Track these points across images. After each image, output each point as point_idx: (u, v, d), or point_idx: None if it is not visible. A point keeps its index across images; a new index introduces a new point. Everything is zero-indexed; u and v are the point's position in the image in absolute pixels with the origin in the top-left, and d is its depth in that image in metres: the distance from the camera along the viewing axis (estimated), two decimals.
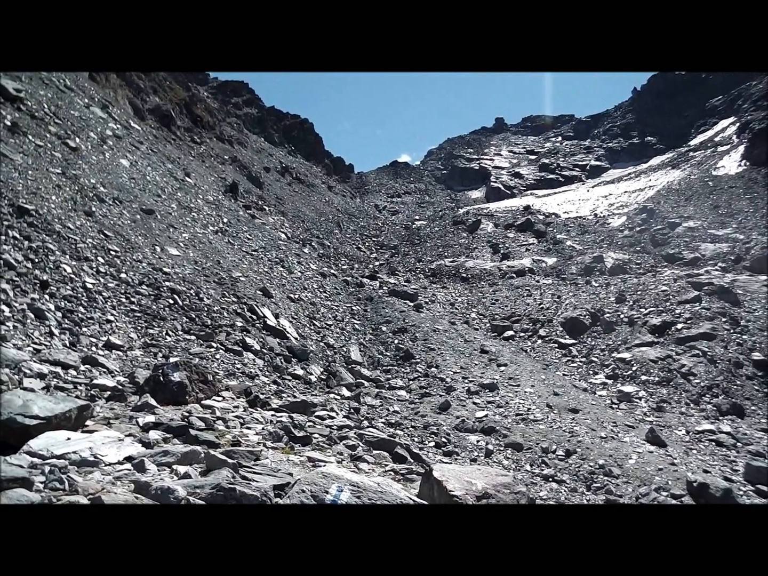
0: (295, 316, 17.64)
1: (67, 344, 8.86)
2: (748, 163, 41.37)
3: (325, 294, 22.04)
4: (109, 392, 7.50)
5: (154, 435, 5.82)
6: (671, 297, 22.29)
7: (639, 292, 23.64)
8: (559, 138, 75.81)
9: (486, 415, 13.53)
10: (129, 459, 4.84)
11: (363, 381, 15.05)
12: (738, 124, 51.10)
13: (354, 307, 21.88)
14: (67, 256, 11.32)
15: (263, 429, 7.31)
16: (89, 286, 10.87)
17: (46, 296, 9.65)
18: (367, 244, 39.79)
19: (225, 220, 23.64)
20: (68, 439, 4.92)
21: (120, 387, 7.81)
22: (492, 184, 61.38)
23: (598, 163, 63.58)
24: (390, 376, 16.35)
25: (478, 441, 12.01)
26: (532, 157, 70.02)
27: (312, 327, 17.80)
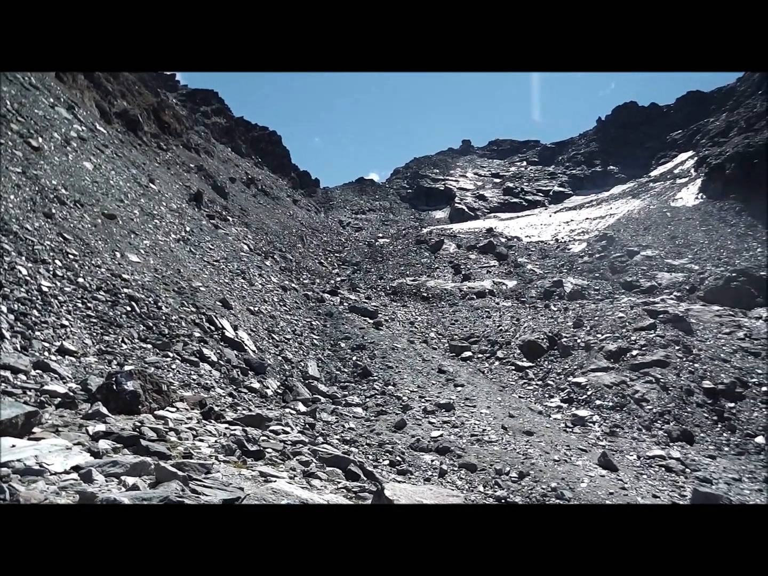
0: (254, 329, 17.50)
1: (19, 348, 8.66)
2: (704, 197, 42.61)
3: (285, 308, 21.93)
4: (59, 399, 7.34)
5: (103, 444, 5.71)
6: (627, 323, 22.72)
7: (596, 318, 24.04)
8: (524, 163, 76.99)
9: (441, 435, 13.56)
10: (76, 468, 4.73)
11: (320, 397, 14.98)
12: (696, 158, 52.66)
13: (314, 322, 21.80)
14: (23, 258, 11.09)
15: (216, 442, 7.23)
16: (45, 289, 10.65)
17: None
18: (329, 259, 39.75)
19: (188, 228, 23.40)
20: (13, 446, 4.81)
21: (71, 394, 7.66)
22: (456, 205, 61.97)
23: (561, 189, 64.74)
24: (347, 393, 16.31)
25: (432, 461, 12.02)
26: (497, 180, 70.95)
27: (270, 340, 17.68)
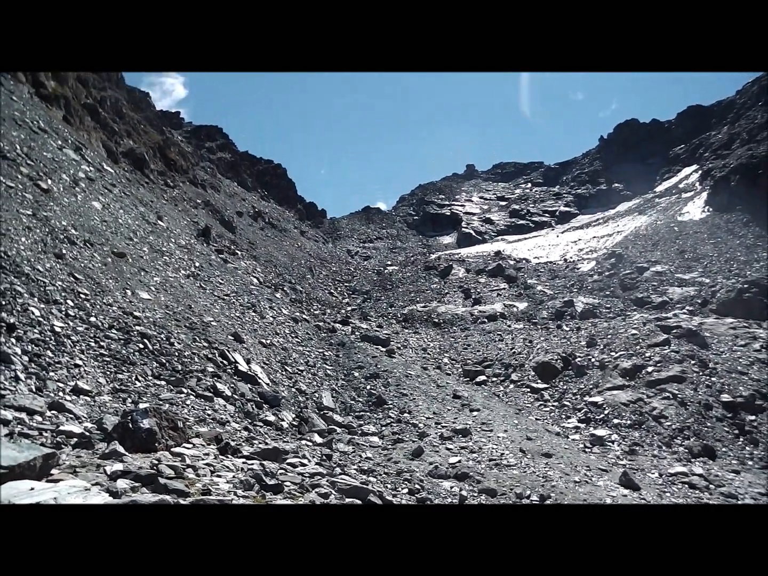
0: (267, 362, 17.47)
1: (33, 389, 8.65)
2: (711, 209, 42.58)
3: (297, 339, 21.91)
4: (75, 439, 7.31)
5: (122, 484, 5.67)
6: (641, 340, 22.56)
7: (609, 336, 23.88)
8: (529, 184, 77.25)
9: (459, 461, 13.41)
10: None
11: (335, 427, 14.87)
12: (700, 172, 52.73)
13: (326, 353, 21.75)
14: (36, 299, 11.14)
15: (234, 477, 7.16)
16: (58, 329, 10.68)
17: (13, 340, 9.45)
18: (339, 289, 39.80)
19: (197, 264, 23.52)
20: (32, 489, 4.76)
21: (87, 434, 7.62)
22: (463, 229, 62.11)
23: (567, 209, 64.86)
24: (362, 422, 16.19)
25: (451, 487, 11.87)
26: (503, 203, 71.13)
27: (284, 372, 17.63)
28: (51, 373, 9.39)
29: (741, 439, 16.68)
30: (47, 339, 10.20)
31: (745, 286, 26.90)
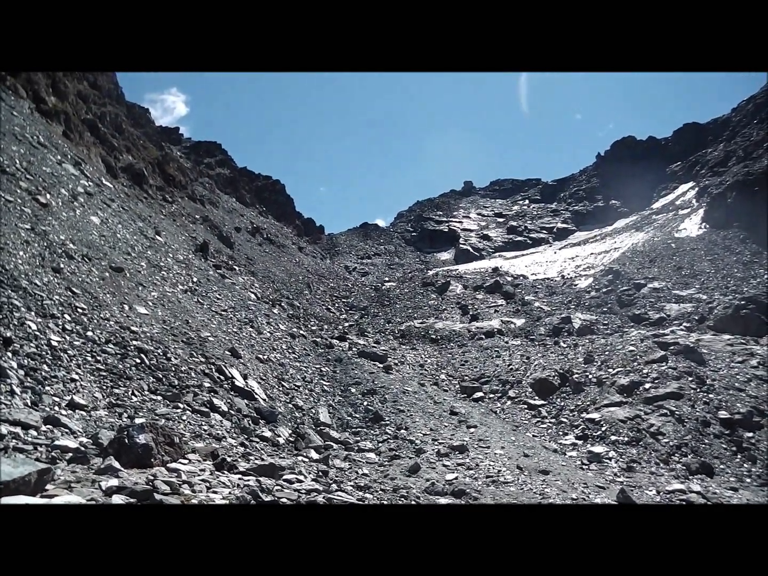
0: (264, 377, 17.43)
1: (29, 403, 8.62)
2: (707, 226, 42.78)
3: (294, 355, 21.87)
4: (71, 454, 7.27)
5: (117, 500, 5.64)
6: (638, 357, 22.56)
7: (607, 353, 23.89)
8: (527, 201, 77.57)
9: (456, 478, 13.35)
10: None
11: (332, 443, 14.82)
12: (697, 189, 53.07)
13: (323, 369, 21.71)
14: (33, 313, 11.12)
15: (230, 493, 7.12)
16: (54, 343, 10.66)
17: (9, 353, 9.43)
18: (336, 305, 39.79)
19: (195, 279, 23.52)
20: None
21: (83, 449, 7.58)
22: (461, 246, 62.33)
23: (564, 225, 65.16)
24: (359, 439, 16.13)
25: (448, 504, 11.83)
26: (500, 219, 71.45)
27: (280, 388, 17.59)
28: (47, 388, 9.36)
29: (739, 456, 16.64)
30: (44, 353, 10.17)
31: (742, 302, 26.95)
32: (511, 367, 25.02)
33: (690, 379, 20.43)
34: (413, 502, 11.26)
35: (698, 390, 19.85)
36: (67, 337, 11.35)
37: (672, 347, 22.74)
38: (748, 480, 15.48)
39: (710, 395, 19.49)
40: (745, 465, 16.22)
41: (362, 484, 11.77)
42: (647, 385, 20.28)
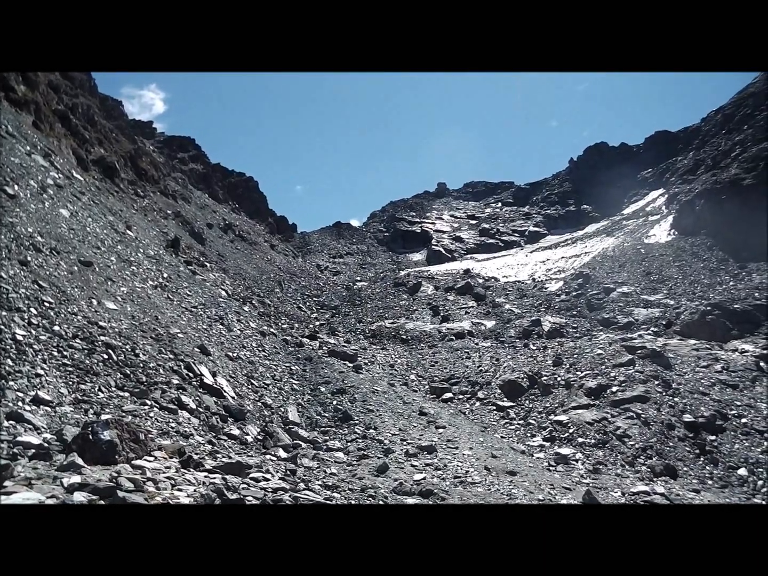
0: (233, 375, 17.32)
1: None
2: (676, 233, 43.43)
3: (264, 353, 21.76)
4: (33, 450, 7.16)
5: (78, 497, 5.57)
6: (606, 360, 22.87)
7: (575, 356, 24.17)
8: (499, 204, 78.05)
9: (424, 478, 13.39)
10: None
11: (300, 442, 14.78)
12: (666, 196, 53.86)
13: (293, 367, 21.64)
14: None
15: (195, 491, 7.08)
16: (19, 338, 10.48)
17: None
18: (308, 303, 39.66)
19: (165, 275, 23.28)
20: None
21: (46, 445, 7.48)
22: (433, 247, 62.48)
23: (536, 229, 65.68)
24: (328, 438, 16.11)
25: (415, 504, 11.86)
26: (473, 221, 71.76)
27: (250, 386, 17.49)
28: (10, 383, 9.20)
29: (701, 459, 16.95)
30: (8, 347, 10.00)
31: (708, 308, 27.45)
32: (480, 368, 25.18)
33: (656, 382, 20.78)
34: (381, 502, 11.28)
35: (664, 393, 20.19)
36: (33, 332, 11.16)
37: (639, 351, 23.10)
38: (710, 482, 15.78)
39: (675, 399, 19.84)
40: (707, 467, 16.53)
41: (330, 484, 11.76)
42: (614, 388, 20.57)
